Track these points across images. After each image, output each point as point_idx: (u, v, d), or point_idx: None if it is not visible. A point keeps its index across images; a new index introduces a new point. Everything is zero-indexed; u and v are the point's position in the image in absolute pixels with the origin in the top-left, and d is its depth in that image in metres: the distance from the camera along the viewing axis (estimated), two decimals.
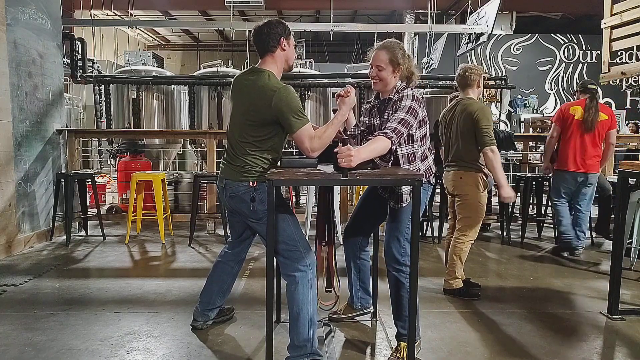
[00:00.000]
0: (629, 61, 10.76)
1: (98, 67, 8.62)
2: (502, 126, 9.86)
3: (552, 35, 12.53)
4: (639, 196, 3.75)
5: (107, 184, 7.77)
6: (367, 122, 2.45)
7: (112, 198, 7.56)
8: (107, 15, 12.50)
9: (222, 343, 2.47)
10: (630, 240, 3.88)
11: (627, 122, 11.00)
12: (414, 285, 2.00)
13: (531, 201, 5.18)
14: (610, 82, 10.40)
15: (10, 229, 4.20)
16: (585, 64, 12.49)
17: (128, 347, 2.40)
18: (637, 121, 9.04)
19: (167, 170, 6.67)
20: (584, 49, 12.46)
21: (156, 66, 10.27)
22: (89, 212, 5.15)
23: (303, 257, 2.16)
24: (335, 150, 1.98)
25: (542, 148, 5.72)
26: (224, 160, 2.34)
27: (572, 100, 4.52)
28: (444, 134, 3.43)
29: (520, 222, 5.08)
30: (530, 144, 6.30)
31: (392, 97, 2.28)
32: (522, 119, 11.16)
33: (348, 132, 2.52)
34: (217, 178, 2.39)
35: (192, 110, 6.24)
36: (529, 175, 5.07)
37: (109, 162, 7.79)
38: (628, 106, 12.31)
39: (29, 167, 4.52)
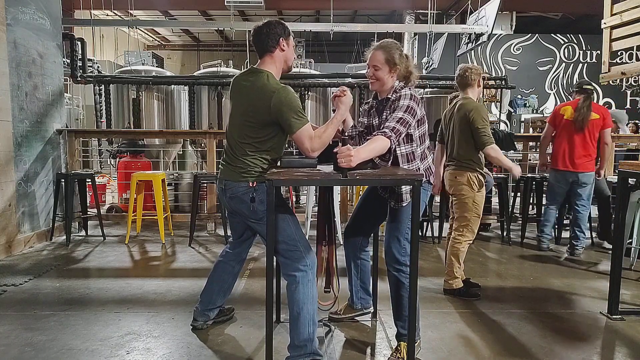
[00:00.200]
0: (629, 61, 10.76)
1: (98, 67, 8.61)
2: (502, 126, 9.85)
3: (552, 35, 12.53)
4: (639, 196, 3.75)
5: (107, 184, 7.77)
6: (365, 122, 2.45)
7: (112, 198, 7.56)
8: (107, 15, 12.50)
9: (222, 343, 2.47)
10: (630, 240, 3.88)
11: (627, 122, 10.99)
12: (414, 285, 2.00)
13: (531, 201, 5.18)
14: (610, 82, 10.41)
15: (10, 229, 4.20)
16: (585, 64, 12.49)
17: (128, 347, 2.40)
18: (637, 121, 9.03)
19: (167, 170, 6.67)
20: (584, 49, 12.46)
21: (156, 66, 10.27)
22: (89, 212, 5.15)
23: (303, 256, 2.16)
24: (335, 150, 1.98)
25: None
26: (223, 161, 2.33)
27: (570, 100, 4.55)
28: (444, 134, 3.44)
29: (520, 222, 5.09)
30: (530, 144, 6.30)
31: (390, 96, 2.29)
32: (522, 119, 11.15)
33: (346, 134, 2.52)
34: (217, 178, 2.39)
35: (192, 110, 6.24)
36: (529, 175, 5.07)
37: (109, 162, 7.78)
38: (628, 106, 12.31)
39: (29, 167, 4.52)
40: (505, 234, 4.93)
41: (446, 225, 3.78)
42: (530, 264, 4.13)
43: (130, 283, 3.42)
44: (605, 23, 3.82)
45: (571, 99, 4.47)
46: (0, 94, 4.08)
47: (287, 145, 3.91)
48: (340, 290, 2.63)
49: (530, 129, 10.14)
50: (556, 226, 4.98)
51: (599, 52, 11.46)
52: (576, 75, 12.49)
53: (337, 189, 4.51)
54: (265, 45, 2.26)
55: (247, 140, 2.22)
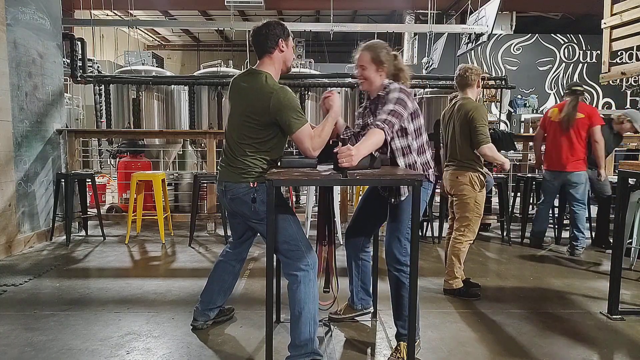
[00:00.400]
0: (629, 61, 10.75)
1: (98, 67, 8.60)
2: (502, 126, 9.86)
3: (552, 35, 12.53)
4: (639, 196, 3.75)
5: (107, 184, 7.77)
6: (361, 123, 2.47)
7: (112, 198, 7.56)
8: (107, 15, 12.50)
9: (222, 343, 2.47)
10: (630, 240, 3.88)
11: None
12: (413, 285, 1.99)
13: (531, 201, 5.18)
14: (610, 82, 10.41)
15: (10, 229, 4.20)
16: (585, 64, 12.49)
17: (128, 347, 2.40)
18: None
19: (167, 170, 6.67)
20: (584, 49, 12.46)
21: (156, 66, 10.26)
22: (89, 212, 5.15)
23: (305, 256, 2.16)
24: (335, 150, 1.98)
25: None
26: (222, 163, 2.34)
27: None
28: (443, 134, 3.44)
29: (520, 222, 5.09)
30: (530, 143, 6.28)
31: (380, 94, 2.30)
32: (522, 119, 11.15)
33: (340, 137, 2.52)
34: (217, 179, 2.39)
35: (192, 110, 6.24)
36: (529, 175, 5.07)
37: (109, 162, 7.79)
38: (628, 106, 12.29)
39: (29, 167, 4.52)
40: (505, 234, 4.93)
41: (446, 225, 3.78)
42: (530, 264, 4.13)
43: (130, 283, 3.42)
44: (605, 23, 3.81)
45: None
46: (0, 94, 4.08)
47: (287, 145, 3.92)
48: (340, 290, 2.64)
49: (530, 129, 10.13)
50: (556, 226, 4.99)
51: (599, 52, 11.46)
52: (576, 75, 12.49)
53: (337, 189, 4.51)
54: (265, 46, 2.26)
55: (247, 141, 2.22)
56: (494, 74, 11.64)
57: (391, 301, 2.35)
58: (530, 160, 6.58)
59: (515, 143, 4.80)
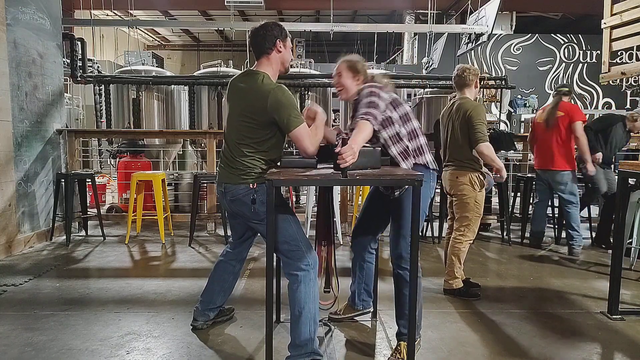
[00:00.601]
0: (629, 61, 10.75)
1: (98, 67, 8.60)
2: (502, 126, 9.85)
3: (552, 35, 12.53)
4: (639, 196, 3.75)
5: (107, 184, 7.77)
6: (351, 128, 2.48)
7: (112, 198, 7.56)
8: (107, 15, 12.50)
9: (222, 343, 2.47)
10: (630, 240, 3.88)
11: None
12: (413, 285, 1.99)
13: (531, 201, 5.18)
14: (610, 82, 10.41)
15: (10, 229, 4.20)
16: (585, 64, 12.49)
17: (128, 347, 2.40)
18: None
19: (167, 170, 6.67)
20: (584, 49, 12.46)
21: (156, 66, 10.26)
22: (89, 212, 5.15)
23: (305, 256, 2.16)
24: (336, 150, 1.98)
25: None
26: (222, 164, 2.34)
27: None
28: (443, 134, 3.43)
29: (520, 222, 5.09)
30: None
31: (357, 98, 2.36)
32: (522, 119, 11.15)
33: (341, 136, 2.52)
34: (216, 180, 2.39)
35: (192, 110, 6.23)
36: (529, 175, 5.07)
37: (109, 162, 7.78)
38: (628, 106, 12.30)
39: (29, 167, 4.52)
40: (505, 234, 4.93)
41: (446, 225, 3.78)
42: (530, 264, 4.13)
43: (130, 283, 3.42)
44: (605, 23, 3.81)
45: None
46: (0, 94, 4.08)
47: (287, 145, 3.92)
48: (340, 290, 2.64)
49: (530, 129, 10.13)
50: (556, 226, 4.99)
51: (599, 52, 11.46)
52: (576, 75, 12.49)
53: (337, 189, 4.51)
54: (262, 46, 2.27)
55: (245, 141, 2.22)
56: (494, 74, 11.64)
57: (394, 300, 2.35)
58: (530, 160, 6.59)
59: (515, 143, 4.80)
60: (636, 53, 10.91)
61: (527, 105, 11.96)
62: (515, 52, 12.45)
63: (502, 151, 5.01)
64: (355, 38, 14.56)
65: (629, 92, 12.46)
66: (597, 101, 12.59)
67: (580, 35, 12.43)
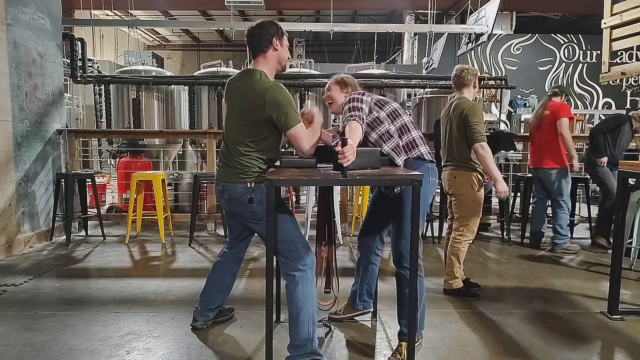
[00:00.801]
0: (629, 61, 10.75)
1: (98, 67, 8.60)
2: (502, 126, 9.83)
3: (552, 35, 12.53)
4: (639, 196, 3.75)
5: (107, 184, 7.76)
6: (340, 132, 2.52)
7: (112, 198, 7.56)
8: (107, 15, 12.50)
9: (222, 343, 2.47)
10: (630, 240, 3.88)
11: None
12: (413, 284, 1.99)
13: (531, 201, 5.17)
14: (610, 82, 10.40)
15: (10, 229, 4.20)
16: (585, 64, 12.49)
17: (128, 347, 2.40)
18: None
19: (167, 170, 6.67)
20: (584, 49, 12.46)
21: (156, 66, 10.25)
22: (89, 212, 5.15)
23: (302, 256, 2.16)
24: (336, 150, 1.98)
25: None
26: (220, 163, 2.34)
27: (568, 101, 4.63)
28: (442, 134, 3.44)
29: (520, 222, 5.08)
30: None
31: (343, 108, 2.41)
32: (522, 119, 11.15)
33: (341, 136, 2.52)
34: (215, 179, 2.40)
35: (192, 110, 6.24)
36: (529, 175, 5.06)
37: (109, 162, 7.78)
38: (628, 106, 12.30)
39: (29, 167, 4.52)
40: (505, 234, 4.93)
41: (445, 225, 3.78)
42: (530, 264, 4.13)
43: (130, 283, 3.42)
44: (605, 23, 3.81)
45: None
46: (0, 94, 4.08)
47: (287, 146, 3.92)
48: (341, 290, 2.64)
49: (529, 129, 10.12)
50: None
51: (599, 52, 11.46)
52: (576, 75, 12.49)
53: (337, 189, 4.51)
54: (258, 45, 2.27)
55: (243, 140, 2.22)
56: (494, 74, 11.64)
57: (397, 300, 2.36)
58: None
59: (515, 143, 4.80)
60: (636, 53, 10.90)
61: (527, 105, 11.95)
62: (515, 52, 12.45)
63: (502, 151, 5.02)
64: (355, 38, 14.55)
65: (629, 92, 12.46)
66: (597, 101, 12.59)
67: (580, 35, 12.43)
